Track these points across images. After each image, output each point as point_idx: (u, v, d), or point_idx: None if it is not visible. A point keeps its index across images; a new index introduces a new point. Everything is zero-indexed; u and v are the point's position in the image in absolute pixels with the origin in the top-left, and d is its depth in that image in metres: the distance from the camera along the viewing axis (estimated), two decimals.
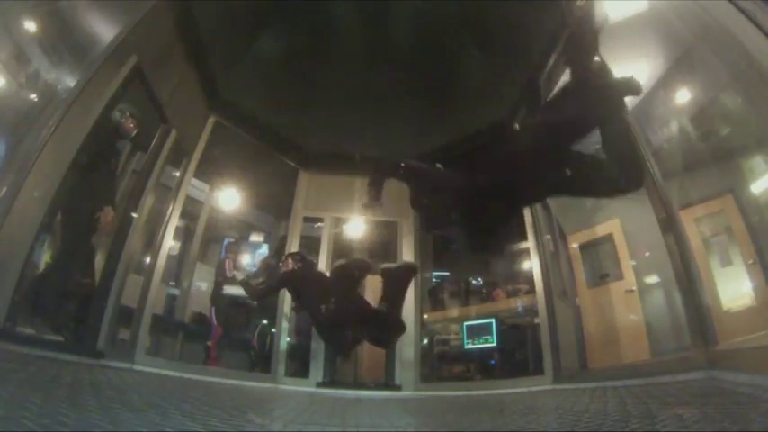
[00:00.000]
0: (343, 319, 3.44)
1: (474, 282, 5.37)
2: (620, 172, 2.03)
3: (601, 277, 5.12)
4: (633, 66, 3.68)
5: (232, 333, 5.04)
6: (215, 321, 4.80)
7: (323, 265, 4.86)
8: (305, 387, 4.39)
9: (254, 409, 2.43)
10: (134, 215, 3.72)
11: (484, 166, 2.34)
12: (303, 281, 3.75)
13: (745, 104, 3.16)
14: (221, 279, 5.10)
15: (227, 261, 5.22)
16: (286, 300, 4.60)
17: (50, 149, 2.67)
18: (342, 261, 3.69)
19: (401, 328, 3.61)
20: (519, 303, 4.74)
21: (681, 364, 2.65)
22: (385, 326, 3.51)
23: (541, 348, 3.97)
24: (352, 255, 4.66)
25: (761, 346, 2.16)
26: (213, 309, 4.87)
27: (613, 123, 2.08)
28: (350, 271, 3.57)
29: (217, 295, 5.02)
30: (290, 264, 3.79)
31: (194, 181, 4.84)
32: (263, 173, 5.76)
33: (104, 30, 3.58)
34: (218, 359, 4.62)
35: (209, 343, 4.67)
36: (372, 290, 4.60)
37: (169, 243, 4.18)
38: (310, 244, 5.24)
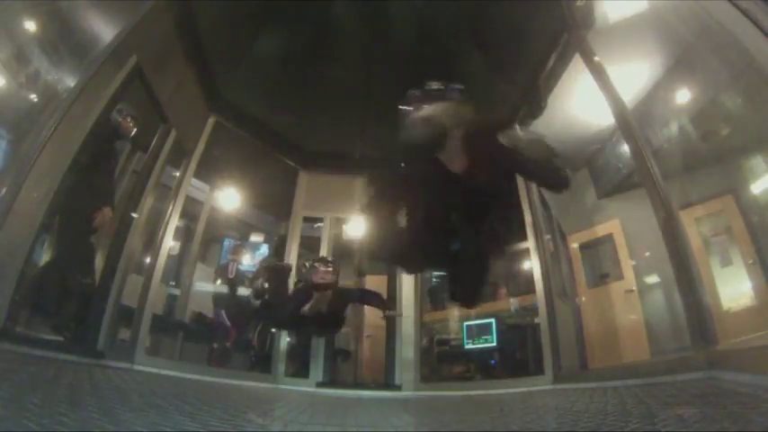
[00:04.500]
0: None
1: None
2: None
3: (601, 277, 5.11)
4: (633, 66, 3.71)
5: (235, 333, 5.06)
6: (228, 323, 4.81)
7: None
8: (305, 387, 4.39)
9: (254, 409, 2.43)
10: (134, 215, 3.72)
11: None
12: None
13: (745, 104, 3.16)
14: (228, 281, 5.11)
15: (230, 264, 5.22)
16: None
17: (50, 149, 2.67)
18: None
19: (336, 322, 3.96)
20: (519, 303, 4.74)
21: (681, 364, 2.64)
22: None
23: (541, 348, 3.97)
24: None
25: (761, 346, 2.16)
26: (223, 311, 4.89)
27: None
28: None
29: (226, 296, 5.03)
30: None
31: (194, 181, 4.84)
32: (263, 173, 5.76)
33: (104, 30, 3.58)
34: (232, 360, 4.69)
35: (227, 344, 4.75)
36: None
37: (169, 243, 4.18)
38: (310, 244, 5.25)
